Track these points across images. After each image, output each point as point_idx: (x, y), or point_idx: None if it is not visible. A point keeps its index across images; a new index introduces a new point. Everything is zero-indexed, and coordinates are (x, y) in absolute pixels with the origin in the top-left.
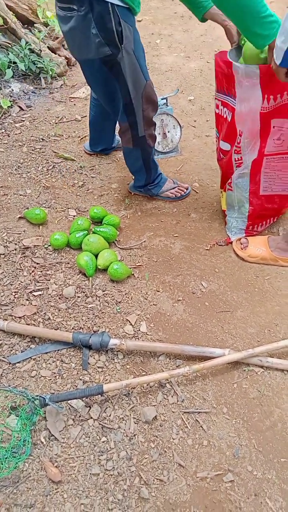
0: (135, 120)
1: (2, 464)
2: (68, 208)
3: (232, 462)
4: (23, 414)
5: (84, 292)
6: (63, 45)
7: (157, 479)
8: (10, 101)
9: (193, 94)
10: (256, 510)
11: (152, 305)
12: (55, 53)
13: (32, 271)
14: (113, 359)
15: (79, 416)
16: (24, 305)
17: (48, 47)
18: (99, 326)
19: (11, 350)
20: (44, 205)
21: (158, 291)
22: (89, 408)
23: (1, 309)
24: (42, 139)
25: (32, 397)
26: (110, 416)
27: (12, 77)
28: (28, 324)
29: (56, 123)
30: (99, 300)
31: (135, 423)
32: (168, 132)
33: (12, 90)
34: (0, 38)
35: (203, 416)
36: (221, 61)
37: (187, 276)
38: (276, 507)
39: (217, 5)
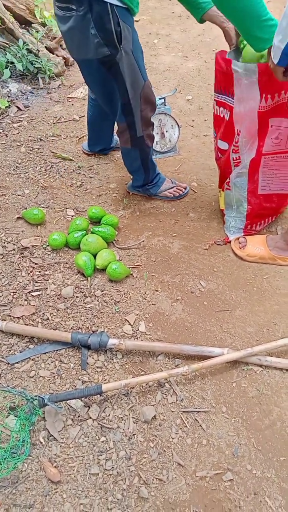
0: (133, 120)
1: (1, 464)
2: (67, 208)
3: (231, 461)
4: (22, 415)
5: (82, 292)
6: (60, 45)
7: (156, 478)
8: (8, 101)
9: (191, 93)
10: (256, 508)
11: (151, 305)
12: (53, 53)
13: (31, 271)
14: (112, 359)
15: (78, 416)
16: (23, 305)
17: (45, 47)
18: (97, 326)
19: (10, 351)
20: (42, 205)
21: (156, 290)
22: (88, 408)
23: None
24: (40, 139)
25: (31, 397)
26: (109, 416)
27: (10, 77)
28: (27, 324)
29: (54, 123)
30: (97, 300)
31: (134, 423)
32: (166, 131)
33: (10, 90)
34: None
35: (202, 416)
36: (221, 59)
37: (185, 276)
38: (275, 506)
39: (218, 7)
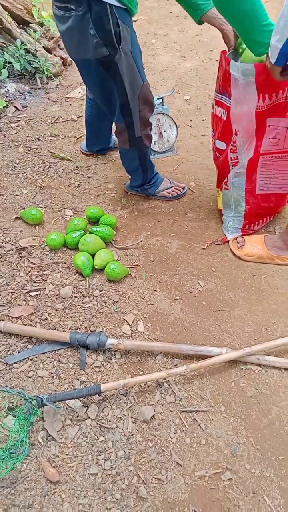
0: (132, 120)
1: None
2: (65, 208)
3: (230, 460)
4: (21, 415)
5: (81, 292)
6: (58, 45)
7: (155, 478)
8: (6, 101)
9: (189, 93)
10: (255, 508)
11: (149, 305)
12: (51, 53)
13: (29, 272)
14: (111, 359)
15: (77, 416)
16: (21, 306)
17: (43, 47)
18: (96, 326)
19: (8, 351)
20: (40, 205)
21: (155, 290)
22: (86, 408)
23: None
24: (38, 139)
25: (30, 398)
26: (108, 415)
27: (8, 77)
28: (25, 325)
29: (52, 123)
30: (96, 300)
31: (133, 423)
32: (164, 131)
33: (8, 90)
34: None
35: (201, 415)
36: (223, 58)
37: (184, 276)
38: (274, 505)
39: (220, 11)
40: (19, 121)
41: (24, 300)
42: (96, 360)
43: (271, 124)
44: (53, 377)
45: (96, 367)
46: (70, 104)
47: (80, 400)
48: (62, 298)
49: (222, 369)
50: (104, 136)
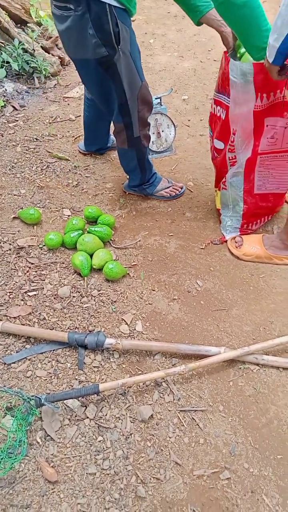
0: (130, 121)
1: None
2: (63, 208)
3: (228, 459)
4: (19, 415)
5: (79, 292)
6: (56, 45)
7: (153, 477)
8: (4, 101)
9: (187, 93)
10: (253, 507)
11: (148, 304)
12: (49, 53)
13: (27, 271)
14: (109, 359)
15: (75, 416)
16: (19, 305)
17: (41, 46)
18: (94, 326)
19: (6, 351)
20: (38, 205)
21: (153, 290)
22: (85, 407)
23: None
24: (36, 139)
25: (28, 397)
26: (106, 415)
27: (6, 76)
28: (23, 324)
29: (50, 122)
30: (94, 300)
31: (132, 422)
32: (162, 131)
33: (6, 89)
34: None
35: (199, 414)
36: (225, 57)
37: (182, 275)
38: (272, 504)
39: (221, 14)
40: (17, 120)
41: (22, 300)
42: (95, 359)
43: (269, 123)
44: (51, 377)
45: (94, 366)
46: (68, 104)
47: (79, 400)
48: (60, 298)
49: (221, 368)
50: (102, 136)
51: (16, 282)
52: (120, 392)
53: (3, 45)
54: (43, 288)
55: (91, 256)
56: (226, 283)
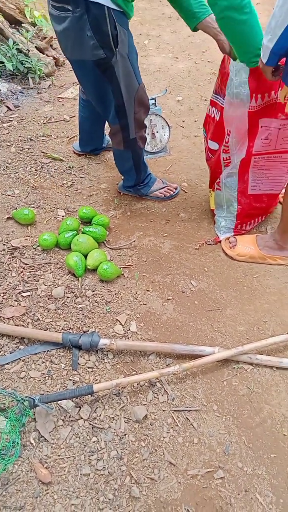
0: (127, 122)
1: None
2: (57, 209)
3: (222, 459)
4: (12, 416)
5: (73, 293)
6: (51, 45)
7: (148, 477)
8: None
9: (181, 94)
10: (247, 505)
11: (142, 305)
12: (43, 53)
13: (21, 272)
14: (103, 359)
15: (69, 417)
16: (13, 306)
17: (36, 47)
18: (89, 326)
19: (0, 352)
20: (32, 205)
21: (148, 290)
22: (79, 408)
23: None
24: (31, 139)
25: (21, 398)
26: (100, 416)
27: (0, 77)
28: (17, 325)
29: (44, 123)
30: (88, 300)
31: (126, 423)
32: (157, 132)
33: (0, 90)
34: None
35: (194, 414)
36: (227, 58)
37: (176, 276)
38: (266, 502)
39: (221, 28)
40: (11, 121)
41: (16, 300)
42: (89, 360)
43: (263, 125)
44: (45, 377)
45: (88, 367)
46: (63, 104)
47: (73, 401)
48: (54, 299)
49: (215, 368)
50: (97, 137)
51: (10, 283)
52: (114, 393)
53: None
54: (37, 288)
55: (85, 256)
56: (220, 283)
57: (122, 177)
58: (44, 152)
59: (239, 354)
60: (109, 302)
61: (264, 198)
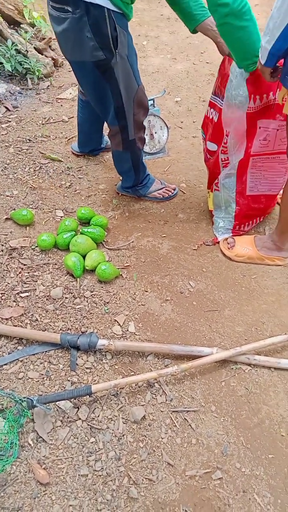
0: (126, 124)
1: None
2: (56, 209)
3: (220, 459)
4: (11, 416)
5: (72, 293)
6: (49, 46)
7: (146, 478)
8: None
9: (180, 95)
10: (245, 506)
11: (140, 305)
12: (42, 54)
13: (19, 272)
14: (102, 360)
15: (67, 417)
16: (11, 307)
17: (34, 47)
18: (87, 327)
19: None
20: (31, 206)
21: (146, 291)
22: (77, 409)
23: None
24: (29, 140)
25: (20, 399)
26: (98, 416)
27: None
28: (15, 326)
29: (43, 124)
30: (87, 301)
31: (124, 423)
32: (155, 133)
33: None
34: None
35: (192, 415)
36: (228, 59)
37: (175, 276)
38: (264, 503)
39: (220, 34)
40: (10, 121)
41: (14, 301)
42: (87, 361)
43: (261, 126)
44: (43, 378)
45: (87, 368)
46: (61, 105)
47: (71, 401)
48: (52, 299)
49: (213, 369)
50: (96, 137)
51: (8, 283)
52: (112, 393)
53: None
54: (35, 289)
55: (83, 257)
56: (218, 284)
57: (121, 178)
58: (42, 153)
59: (237, 354)
60: (107, 302)
61: (262, 199)
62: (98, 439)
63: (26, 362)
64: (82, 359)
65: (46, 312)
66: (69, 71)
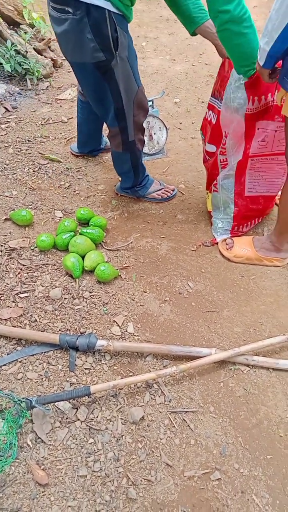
0: (126, 125)
1: None
2: (55, 210)
3: (219, 460)
4: (9, 417)
5: (71, 294)
6: (49, 47)
7: (144, 479)
8: None
9: (179, 96)
10: (243, 507)
11: (139, 306)
12: (41, 55)
13: (18, 273)
14: (100, 360)
15: (66, 418)
16: (10, 307)
17: (34, 48)
18: (86, 328)
19: None
20: (30, 206)
21: (145, 292)
22: (76, 409)
23: None
24: (28, 141)
25: (19, 400)
26: (97, 417)
27: None
28: (14, 326)
29: (42, 124)
30: (86, 302)
31: (123, 424)
32: (154, 134)
33: None
34: None
35: (190, 416)
36: (228, 62)
37: (173, 277)
38: (262, 503)
39: (220, 39)
40: (9, 122)
41: (13, 301)
42: (86, 361)
43: (260, 127)
44: (42, 379)
45: (85, 368)
46: (61, 106)
47: (70, 402)
48: (51, 300)
49: (211, 369)
50: (95, 138)
51: (7, 284)
52: (111, 394)
53: None
54: (34, 290)
55: (82, 257)
56: (217, 285)
57: (120, 179)
58: (42, 154)
59: (236, 355)
60: (106, 303)
61: (261, 200)
62: (97, 440)
63: (25, 363)
64: (81, 359)
65: (45, 312)
66: (69, 72)
